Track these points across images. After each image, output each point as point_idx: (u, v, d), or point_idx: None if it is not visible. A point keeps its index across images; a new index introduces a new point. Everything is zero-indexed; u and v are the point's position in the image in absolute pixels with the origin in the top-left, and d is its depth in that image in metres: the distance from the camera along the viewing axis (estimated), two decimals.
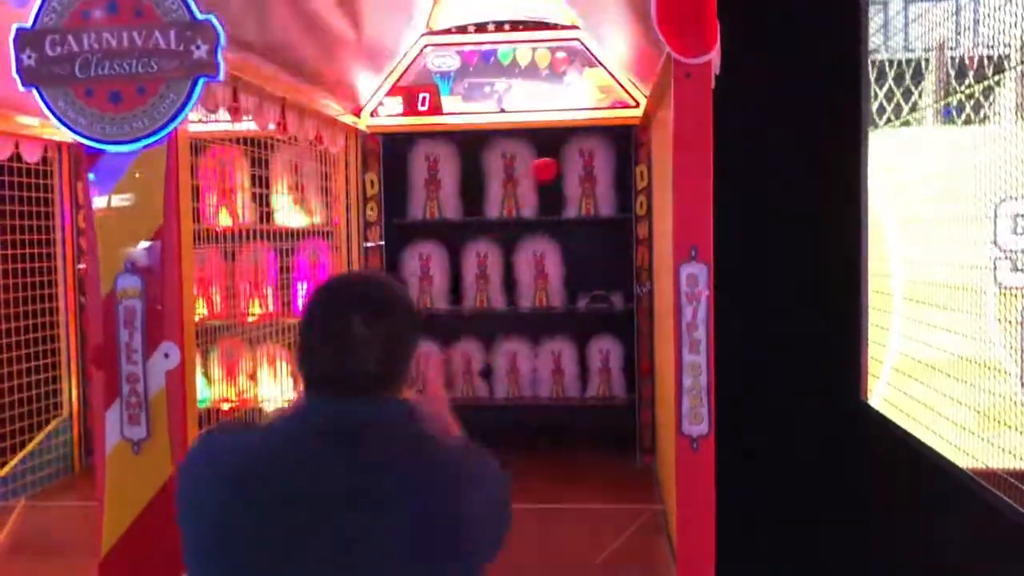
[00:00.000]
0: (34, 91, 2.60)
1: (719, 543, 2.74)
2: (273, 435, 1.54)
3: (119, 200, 2.63)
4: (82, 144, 2.63)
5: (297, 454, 1.47)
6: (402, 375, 1.56)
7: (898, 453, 3.84)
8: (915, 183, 3.92)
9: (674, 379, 2.64)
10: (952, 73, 3.91)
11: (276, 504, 1.44)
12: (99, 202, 2.63)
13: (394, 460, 1.47)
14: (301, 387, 1.56)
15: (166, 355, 2.61)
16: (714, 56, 2.55)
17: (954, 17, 3.77)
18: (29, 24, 2.57)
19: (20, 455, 4.28)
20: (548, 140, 4.89)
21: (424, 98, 4.67)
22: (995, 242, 2.84)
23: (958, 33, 3.78)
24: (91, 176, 2.65)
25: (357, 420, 1.50)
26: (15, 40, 2.57)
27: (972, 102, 3.66)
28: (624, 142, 4.70)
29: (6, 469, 4.18)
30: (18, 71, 2.58)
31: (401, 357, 1.55)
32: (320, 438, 1.48)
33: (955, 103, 3.79)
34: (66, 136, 2.77)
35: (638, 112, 4.52)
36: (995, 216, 2.84)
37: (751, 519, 4.09)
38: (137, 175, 2.63)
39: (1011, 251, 2.83)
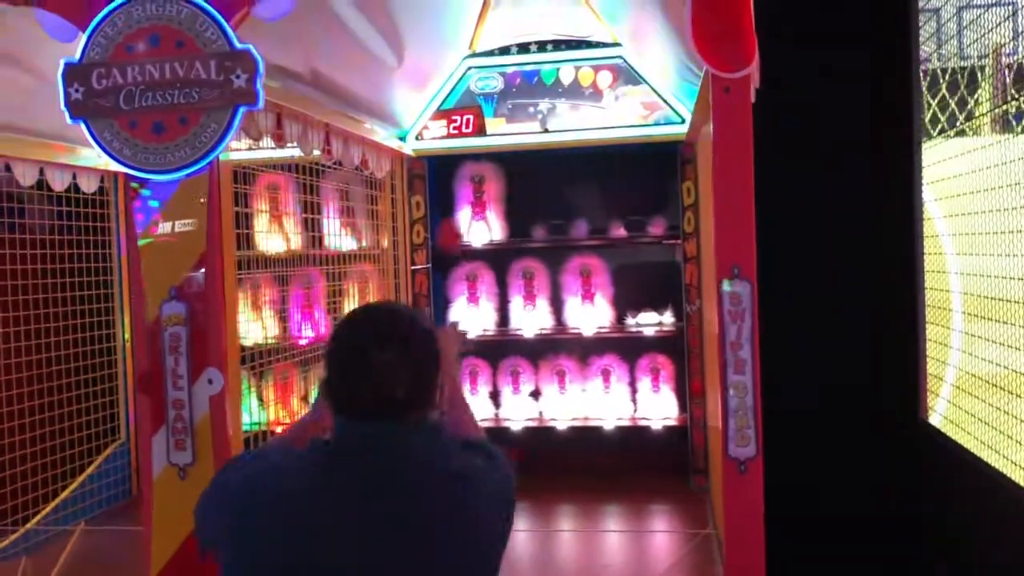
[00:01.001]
0: (81, 124, 2.66)
1: (770, 567, 2.66)
2: (306, 461, 1.57)
3: (164, 228, 2.67)
4: (128, 174, 2.68)
5: (332, 480, 1.51)
6: (429, 399, 1.60)
7: (959, 473, 3.70)
8: (972, 194, 3.79)
9: (719, 400, 2.57)
10: (1010, 79, 3.79)
11: (314, 530, 1.47)
12: (143, 231, 2.68)
13: (423, 486, 1.52)
14: (330, 415, 1.59)
15: (210, 381, 2.64)
16: (753, 70, 2.51)
17: (1010, 21, 3.65)
18: (76, 58, 2.64)
19: (79, 479, 4.37)
20: (593, 159, 4.87)
21: (468, 120, 4.69)
22: None
23: (1015, 38, 3.66)
24: (137, 206, 2.70)
25: (390, 445, 1.54)
26: (63, 74, 2.63)
27: None
28: (671, 159, 4.65)
29: (65, 493, 4.27)
30: (66, 105, 2.64)
31: (427, 382, 1.60)
32: (355, 464, 1.52)
33: (1014, 110, 3.67)
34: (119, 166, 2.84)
35: (684, 128, 4.47)
36: None
37: (804, 542, 3.98)
38: (181, 204, 2.67)
39: None
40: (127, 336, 4.73)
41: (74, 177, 4.24)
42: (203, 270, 2.66)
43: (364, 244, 4.73)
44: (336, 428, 1.58)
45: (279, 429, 4.43)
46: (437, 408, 1.65)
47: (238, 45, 2.58)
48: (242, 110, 2.60)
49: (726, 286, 2.55)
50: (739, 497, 2.57)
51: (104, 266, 4.63)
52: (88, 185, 4.37)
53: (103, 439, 4.58)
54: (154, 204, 2.69)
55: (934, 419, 4.17)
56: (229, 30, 2.58)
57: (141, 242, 2.69)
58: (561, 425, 4.88)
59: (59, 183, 4.15)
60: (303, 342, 4.62)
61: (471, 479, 1.56)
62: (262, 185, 4.54)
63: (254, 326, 4.57)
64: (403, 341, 1.56)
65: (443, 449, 1.59)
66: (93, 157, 4.21)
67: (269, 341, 4.52)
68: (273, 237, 4.57)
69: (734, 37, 2.46)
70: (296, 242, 4.65)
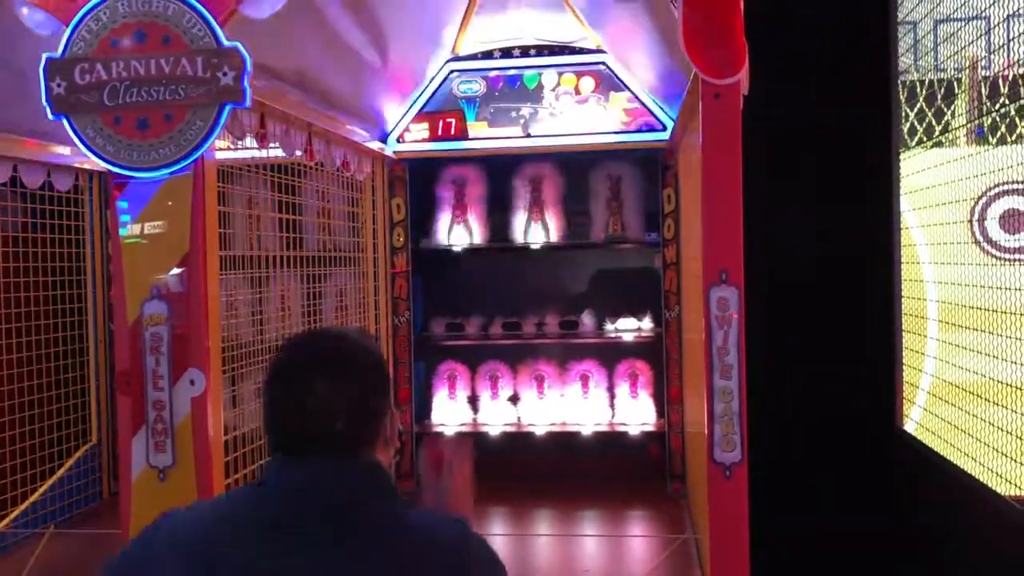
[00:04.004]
0: (63, 120, 2.61)
1: (753, 572, 2.67)
2: (232, 507, 1.45)
3: (146, 227, 2.63)
4: (110, 172, 2.63)
5: (255, 530, 1.38)
6: (372, 435, 1.48)
7: (934, 479, 3.75)
8: (947, 204, 3.85)
9: (705, 405, 2.58)
10: (985, 92, 3.85)
11: None
12: (125, 229, 2.64)
13: (359, 536, 1.37)
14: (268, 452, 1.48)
15: (191, 382, 2.60)
16: (742, 76, 2.52)
17: (986, 36, 3.72)
18: (59, 53, 2.59)
19: (49, 482, 4.28)
20: (574, 164, 4.89)
21: (450, 123, 4.68)
22: None
23: (990, 52, 3.73)
24: (120, 204, 2.66)
25: (323, 488, 1.40)
26: (45, 69, 2.58)
27: (1007, 122, 3.60)
28: (651, 166, 4.67)
29: (35, 496, 4.18)
30: (48, 100, 2.59)
31: (370, 416, 1.47)
32: (281, 511, 1.39)
33: (988, 123, 3.74)
34: (96, 164, 2.79)
35: (665, 135, 4.50)
36: None
37: (785, 547, 4.00)
38: (165, 202, 2.63)
39: None
40: (99, 336, 4.65)
41: (48, 175, 4.17)
42: (174, 271, 2.62)
43: (343, 246, 4.69)
44: (270, 468, 1.45)
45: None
46: (388, 447, 1.52)
47: (226, 42, 2.55)
48: (228, 108, 2.57)
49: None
50: (724, 501, 2.58)
51: (77, 266, 4.55)
52: (62, 183, 4.30)
53: (74, 441, 4.50)
54: (123, 205, 2.65)
55: (909, 426, 4.22)
56: (217, 27, 2.55)
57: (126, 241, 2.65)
58: (539, 430, 4.87)
59: (33, 181, 4.08)
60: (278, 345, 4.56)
61: (423, 532, 1.39)
62: (242, 185, 4.49)
63: (227, 327, 4.50)
64: (343, 367, 1.45)
65: (386, 496, 1.43)
66: (68, 155, 4.14)
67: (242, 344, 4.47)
68: (250, 238, 4.51)
69: (725, 43, 2.47)
70: (272, 243, 4.60)
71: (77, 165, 4.34)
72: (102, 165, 2.63)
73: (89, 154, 2.60)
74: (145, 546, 1.43)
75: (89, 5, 2.58)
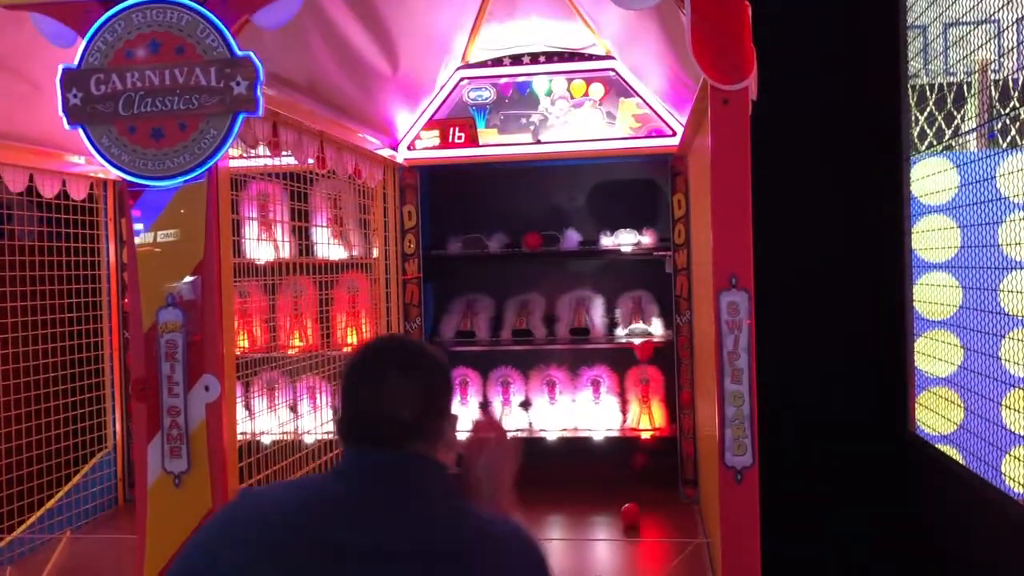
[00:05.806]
0: (80, 130, 2.65)
1: None
2: (305, 492, 1.56)
3: (160, 235, 2.66)
4: (125, 180, 2.67)
5: (328, 512, 1.49)
6: (437, 431, 1.59)
7: (947, 484, 3.74)
8: (958, 207, 3.85)
9: (716, 409, 2.59)
10: (995, 96, 3.85)
11: (303, 563, 1.44)
12: (140, 237, 2.67)
13: (425, 522, 1.49)
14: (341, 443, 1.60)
15: (206, 388, 2.63)
16: (751, 82, 2.53)
17: (996, 40, 3.72)
18: (75, 64, 2.63)
19: (65, 488, 4.33)
20: (584, 170, 4.90)
21: (461, 131, 4.70)
22: None
23: (1001, 55, 3.73)
24: (135, 212, 2.69)
25: (391, 474, 1.52)
26: (61, 80, 2.62)
27: (1017, 124, 3.60)
28: (661, 171, 4.68)
29: (52, 502, 4.23)
30: (64, 110, 2.63)
31: (436, 411, 1.60)
32: (352, 495, 1.50)
33: (999, 126, 3.74)
34: (111, 173, 2.82)
35: (675, 141, 4.51)
36: None
37: (797, 553, 4.00)
38: (179, 210, 2.66)
39: None
40: (115, 344, 4.69)
41: (64, 184, 4.21)
42: (187, 279, 2.65)
43: (355, 253, 4.72)
44: (343, 457, 1.58)
45: (266, 439, 4.41)
46: (450, 449, 1.63)
47: (239, 52, 2.58)
48: (242, 117, 2.60)
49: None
50: (735, 506, 2.58)
51: (92, 274, 4.60)
52: (77, 192, 4.35)
53: (90, 448, 4.54)
54: (138, 213, 2.68)
55: (921, 431, 4.21)
56: (230, 37, 2.58)
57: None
58: (551, 436, 4.88)
59: (49, 190, 4.12)
60: (292, 351, 4.60)
61: (483, 527, 1.53)
62: (252, 193, 4.53)
63: (240, 334, 4.54)
64: (414, 366, 1.59)
65: (449, 491, 1.57)
66: (83, 164, 4.19)
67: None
68: (262, 245, 4.55)
69: (733, 50, 2.48)
70: (285, 250, 4.63)
71: (92, 174, 4.39)
72: (117, 174, 2.66)
73: (105, 163, 2.64)
74: (232, 522, 1.52)
75: (104, 17, 2.61)
